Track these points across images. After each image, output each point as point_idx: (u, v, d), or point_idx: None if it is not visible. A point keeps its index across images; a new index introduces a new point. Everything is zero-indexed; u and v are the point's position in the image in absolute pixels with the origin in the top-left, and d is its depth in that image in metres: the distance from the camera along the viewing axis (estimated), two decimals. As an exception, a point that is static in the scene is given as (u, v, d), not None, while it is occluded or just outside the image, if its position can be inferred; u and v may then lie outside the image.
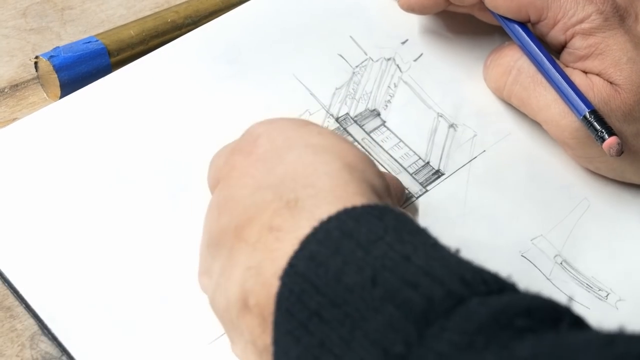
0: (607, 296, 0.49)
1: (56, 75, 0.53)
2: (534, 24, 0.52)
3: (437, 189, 0.52)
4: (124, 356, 0.43)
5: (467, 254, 0.49)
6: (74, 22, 0.59)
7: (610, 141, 0.48)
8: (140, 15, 0.60)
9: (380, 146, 0.53)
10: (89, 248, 0.45)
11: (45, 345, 0.43)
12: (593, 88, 0.50)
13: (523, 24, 0.53)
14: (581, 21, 0.50)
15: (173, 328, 0.44)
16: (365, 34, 0.57)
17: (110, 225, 0.46)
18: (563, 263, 0.50)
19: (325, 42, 0.56)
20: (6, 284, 0.44)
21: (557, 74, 0.50)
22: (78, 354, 0.42)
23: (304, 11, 0.57)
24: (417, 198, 0.51)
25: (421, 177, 0.52)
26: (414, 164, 0.53)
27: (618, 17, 0.50)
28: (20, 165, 0.47)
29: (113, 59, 0.55)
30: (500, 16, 0.53)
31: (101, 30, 0.57)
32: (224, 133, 0.51)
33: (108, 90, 0.51)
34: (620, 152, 0.48)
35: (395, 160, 0.52)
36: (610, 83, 0.50)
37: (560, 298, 0.48)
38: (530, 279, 0.49)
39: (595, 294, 0.49)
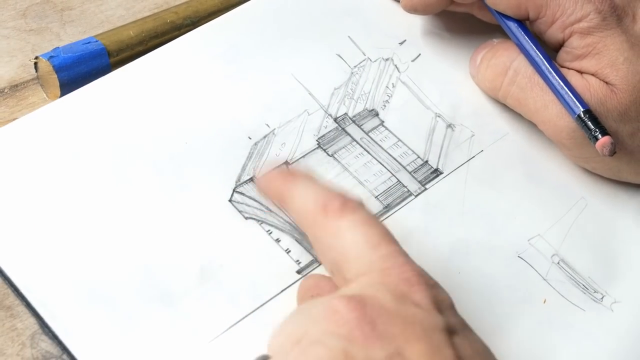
0: (602, 298, 0.50)
1: (56, 76, 0.53)
2: (532, 22, 0.52)
3: (436, 188, 0.52)
4: (124, 354, 0.43)
5: (464, 253, 0.50)
6: (73, 23, 0.59)
7: (604, 141, 0.48)
8: (140, 16, 0.60)
9: (379, 145, 0.53)
10: (89, 247, 0.45)
11: (46, 344, 0.43)
12: (589, 88, 0.50)
13: (521, 22, 0.53)
14: (579, 20, 0.50)
15: (173, 326, 0.44)
16: (363, 34, 0.57)
17: (110, 224, 0.46)
18: (560, 263, 0.51)
19: (323, 42, 0.56)
20: (7, 283, 0.44)
21: (553, 74, 0.51)
22: (78, 352, 0.42)
23: (302, 12, 0.57)
24: (416, 196, 0.52)
25: (420, 175, 0.52)
26: (412, 163, 0.53)
27: (616, 16, 0.50)
28: (19, 164, 0.47)
29: (112, 60, 0.55)
30: (499, 14, 0.53)
31: (100, 31, 0.57)
32: (224, 133, 0.51)
33: (107, 90, 0.51)
34: (613, 152, 0.48)
35: (394, 159, 0.53)
36: (607, 83, 0.50)
37: (557, 299, 0.49)
38: (526, 279, 0.49)
39: (591, 296, 0.50)
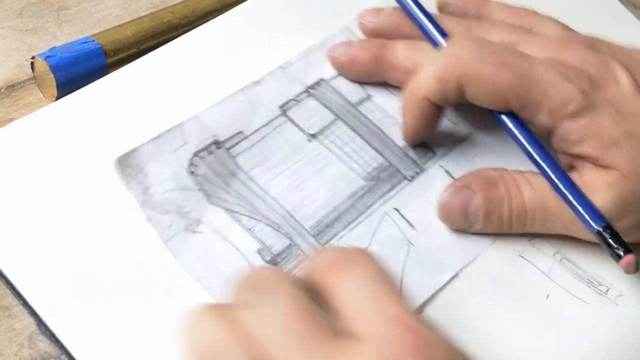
0: (607, 291, 0.49)
1: (53, 76, 0.53)
2: (517, 112, 0.49)
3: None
4: (123, 354, 0.43)
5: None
6: (69, 23, 0.59)
7: (628, 260, 0.46)
8: (136, 15, 0.60)
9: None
10: (88, 247, 0.45)
11: (44, 345, 0.43)
12: (607, 186, 0.47)
13: (513, 115, 0.49)
14: (566, 103, 0.47)
15: (174, 325, 0.44)
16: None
17: (109, 224, 0.46)
18: (563, 260, 0.50)
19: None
20: (5, 283, 0.44)
21: (565, 185, 0.48)
22: (77, 352, 0.42)
23: (300, 11, 0.57)
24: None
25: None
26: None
27: (599, 90, 0.48)
28: (17, 165, 0.47)
29: (109, 59, 0.55)
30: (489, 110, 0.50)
31: (97, 31, 0.57)
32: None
33: (105, 92, 0.51)
34: (637, 270, 0.46)
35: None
36: (612, 168, 0.47)
37: (560, 293, 0.49)
38: (528, 276, 0.49)
39: (596, 289, 0.49)
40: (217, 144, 0.50)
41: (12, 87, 0.55)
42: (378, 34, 0.55)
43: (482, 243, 0.50)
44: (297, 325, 0.35)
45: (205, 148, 0.49)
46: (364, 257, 0.38)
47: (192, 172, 0.48)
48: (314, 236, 0.48)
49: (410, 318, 0.36)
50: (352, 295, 0.37)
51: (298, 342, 0.34)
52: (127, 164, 0.47)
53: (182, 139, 0.49)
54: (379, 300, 0.36)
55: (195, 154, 0.49)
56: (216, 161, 0.49)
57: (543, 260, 0.50)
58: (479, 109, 0.50)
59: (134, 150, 0.48)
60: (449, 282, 0.48)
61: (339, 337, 0.35)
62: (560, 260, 0.50)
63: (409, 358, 0.34)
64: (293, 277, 0.37)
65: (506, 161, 0.52)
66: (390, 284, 0.37)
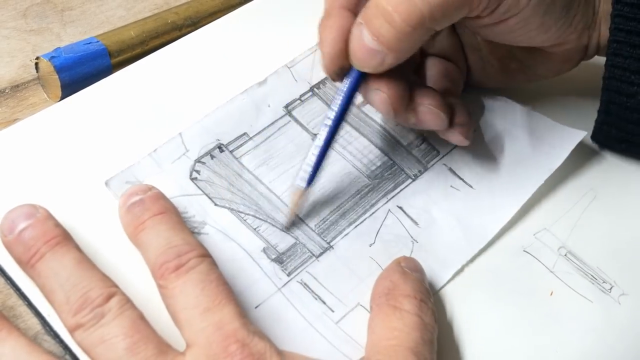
0: (610, 289, 0.49)
1: (57, 76, 0.53)
2: None
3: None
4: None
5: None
6: (74, 23, 0.59)
7: None
8: (140, 16, 0.60)
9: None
10: (90, 248, 0.45)
11: (48, 345, 0.43)
12: None
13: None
14: None
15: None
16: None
17: (111, 226, 0.46)
18: (567, 255, 0.50)
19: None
20: (9, 283, 0.44)
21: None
22: (81, 352, 0.42)
23: (303, 12, 0.57)
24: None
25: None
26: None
27: None
28: (21, 166, 0.47)
29: (114, 60, 0.55)
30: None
31: (101, 32, 0.57)
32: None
33: (109, 91, 0.51)
34: None
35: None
36: None
37: (563, 291, 0.49)
38: (532, 272, 0.49)
39: (599, 286, 0.49)
40: (221, 147, 0.50)
41: (16, 88, 0.55)
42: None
43: (487, 238, 0.50)
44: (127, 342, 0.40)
45: (208, 153, 0.49)
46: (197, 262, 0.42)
47: (195, 178, 0.48)
48: (318, 234, 0.48)
49: (232, 323, 0.40)
50: (182, 303, 0.41)
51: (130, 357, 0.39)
52: (124, 180, 0.47)
53: (184, 147, 0.49)
54: (205, 309, 0.40)
55: (197, 160, 0.49)
56: (220, 164, 0.49)
57: (548, 255, 0.50)
58: (482, 107, 0.50)
59: (131, 167, 0.48)
60: (452, 278, 0.48)
61: (166, 352, 0.40)
62: (565, 255, 0.50)
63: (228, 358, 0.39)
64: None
65: (511, 160, 0.52)
66: (215, 287, 0.41)
